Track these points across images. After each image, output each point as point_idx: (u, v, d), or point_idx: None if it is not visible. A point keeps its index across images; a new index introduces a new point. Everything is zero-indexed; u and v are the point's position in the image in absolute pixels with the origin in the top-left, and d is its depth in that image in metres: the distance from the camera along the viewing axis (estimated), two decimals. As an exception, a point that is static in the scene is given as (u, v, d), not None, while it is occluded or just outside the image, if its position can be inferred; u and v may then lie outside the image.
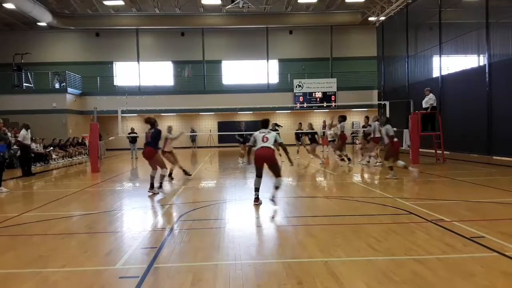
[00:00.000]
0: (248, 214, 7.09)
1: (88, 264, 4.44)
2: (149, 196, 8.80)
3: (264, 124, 7.80)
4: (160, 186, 9.21)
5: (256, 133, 7.61)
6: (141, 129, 30.15)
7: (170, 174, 10.91)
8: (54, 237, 5.69)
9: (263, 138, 7.45)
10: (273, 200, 7.37)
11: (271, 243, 5.14)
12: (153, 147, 8.89)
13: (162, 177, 9.20)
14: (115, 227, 6.34)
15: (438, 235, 5.22)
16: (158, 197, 9.07)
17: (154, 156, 8.95)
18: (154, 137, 8.92)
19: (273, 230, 5.79)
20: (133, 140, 20.72)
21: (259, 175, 7.55)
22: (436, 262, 4.23)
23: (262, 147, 7.37)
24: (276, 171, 7.48)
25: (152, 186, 8.96)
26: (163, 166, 9.17)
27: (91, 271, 4.26)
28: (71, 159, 20.34)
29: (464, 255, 4.41)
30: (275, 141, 7.49)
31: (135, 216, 7.33)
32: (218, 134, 30.32)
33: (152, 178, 8.98)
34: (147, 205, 8.15)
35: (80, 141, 23.46)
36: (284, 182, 10.78)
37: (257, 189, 7.57)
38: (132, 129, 19.69)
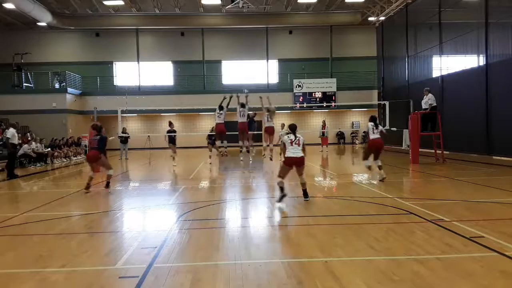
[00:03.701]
0: (247, 214, 7.10)
1: (88, 264, 4.44)
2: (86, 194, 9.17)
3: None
4: (108, 185, 9.58)
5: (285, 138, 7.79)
6: (139, 130, 30.27)
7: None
8: (54, 237, 5.69)
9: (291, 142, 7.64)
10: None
11: (271, 243, 5.14)
12: (99, 151, 9.52)
13: (109, 176, 9.66)
14: (115, 227, 6.34)
15: (437, 235, 5.23)
16: (157, 197, 9.09)
17: (99, 160, 9.53)
18: (101, 142, 9.58)
19: (273, 230, 5.79)
20: (124, 140, 20.52)
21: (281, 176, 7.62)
22: (435, 262, 4.23)
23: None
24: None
25: (88, 187, 9.39)
26: (109, 167, 9.70)
27: (91, 270, 4.26)
28: (68, 160, 20.26)
29: (464, 255, 4.42)
30: None
31: (135, 216, 7.33)
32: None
33: (91, 179, 9.49)
34: (147, 205, 8.16)
35: (76, 141, 23.39)
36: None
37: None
38: (124, 129, 19.39)
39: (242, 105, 13.11)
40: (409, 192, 9.30)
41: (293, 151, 7.47)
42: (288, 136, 7.60)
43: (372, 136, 10.12)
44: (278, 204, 7.27)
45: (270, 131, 12.82)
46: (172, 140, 15.78)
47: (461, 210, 6.68)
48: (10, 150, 13.42)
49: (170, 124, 16.27)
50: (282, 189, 7.33)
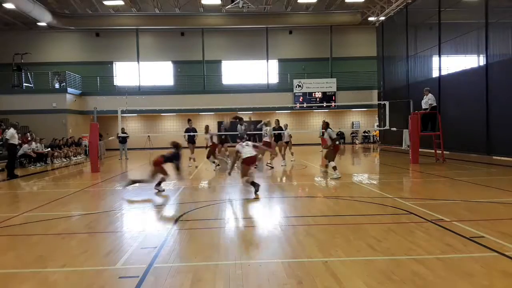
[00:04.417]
0: (248, 214, 7.10)
1: (88, 264, 4.44)
2: (156, 194, 9.24)
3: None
4: (131, 184, 9.74)
5: None
6: (139, 130, 30.25)
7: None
8: (54, 237, 5.69)
9: None
10: None
11: (271, 243, 5.14)
12: (164, 160, 9.56)
13: (142, 182, 9.72)
14: (115, 227, 6.34)
15: (437, 235, 5.23)
16: (157, 197, 9.12)
17: (158, 166, 9.53)
18: (175, 157, 9.69)
19: (273, 230, 5.79)
20: (123, 140, 20.36)
21: None
22: (435, 262, 4.23)
23: None
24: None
25: (159, 184, 9.59)
26: (151, 177, 9.59)
27: (91, 271, 4.26)
28: (68, 160, 20.26)
29: (464, 255, 4.42)
30: None
31: (135, 216, 7.33)
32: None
33: (163, 179, 9.62)
34: (147, 205, 8.16)
35: (76, 141, 23.38)
36: (283, 182, 10.81)
37: None
38: (123, 129, 19.11)
39: (240, 138, 14.02)
40: (409, 192, 9.30)
41: (249, 151, 8.67)
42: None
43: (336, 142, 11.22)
44: (256, 194, 8.28)
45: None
46: (191, 140, 15.54)
47: (461, 210, 6.68)
48: (8, 150, 13.45)
49: (189, 121, 16.03)
50: (253, 183, 8.42)
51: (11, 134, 13.23)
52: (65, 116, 26.34)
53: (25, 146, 17.24)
